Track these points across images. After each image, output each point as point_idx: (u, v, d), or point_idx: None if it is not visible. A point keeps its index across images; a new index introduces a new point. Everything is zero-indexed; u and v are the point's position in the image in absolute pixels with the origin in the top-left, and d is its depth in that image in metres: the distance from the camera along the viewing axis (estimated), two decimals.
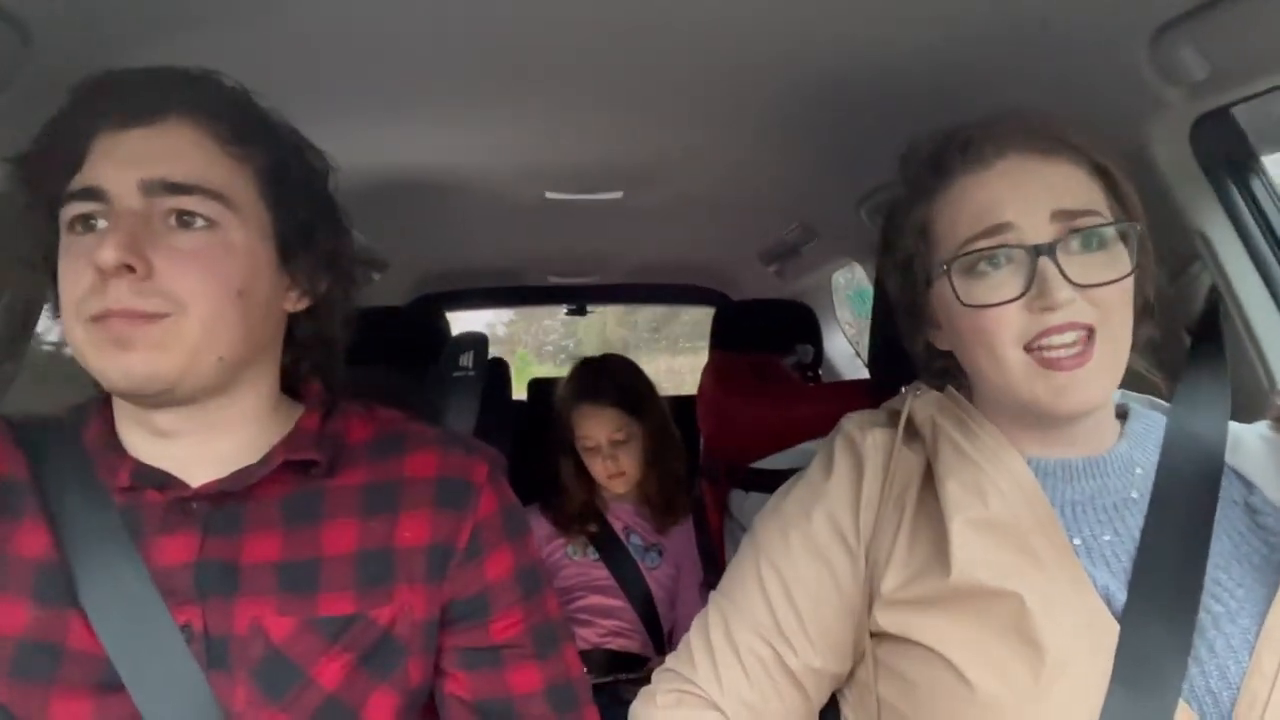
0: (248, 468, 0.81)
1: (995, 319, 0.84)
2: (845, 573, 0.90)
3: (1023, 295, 0.82)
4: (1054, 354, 0.81)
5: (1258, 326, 1.10)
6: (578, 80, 1.19)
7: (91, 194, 0.75)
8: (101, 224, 0.76)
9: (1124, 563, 0.83)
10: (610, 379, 1.99)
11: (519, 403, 2.86)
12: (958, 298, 0.85)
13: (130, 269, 0.73)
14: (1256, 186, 1.13)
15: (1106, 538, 0.84)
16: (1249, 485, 0.88)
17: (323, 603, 0.79)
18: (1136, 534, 0.84)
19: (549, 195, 1.81)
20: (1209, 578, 0.80)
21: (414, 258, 2.51)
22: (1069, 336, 0.81)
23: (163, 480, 0.80)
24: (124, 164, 0.76)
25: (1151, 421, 0.93)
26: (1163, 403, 0.97)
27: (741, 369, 1.96)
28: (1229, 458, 0.88)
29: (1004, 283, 0.83)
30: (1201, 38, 0.94)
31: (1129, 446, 0.90)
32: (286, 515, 0.82)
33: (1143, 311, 0.89)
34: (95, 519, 0.78)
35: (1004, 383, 0.85)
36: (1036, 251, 0.82)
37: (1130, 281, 0.84)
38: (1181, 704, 0.75)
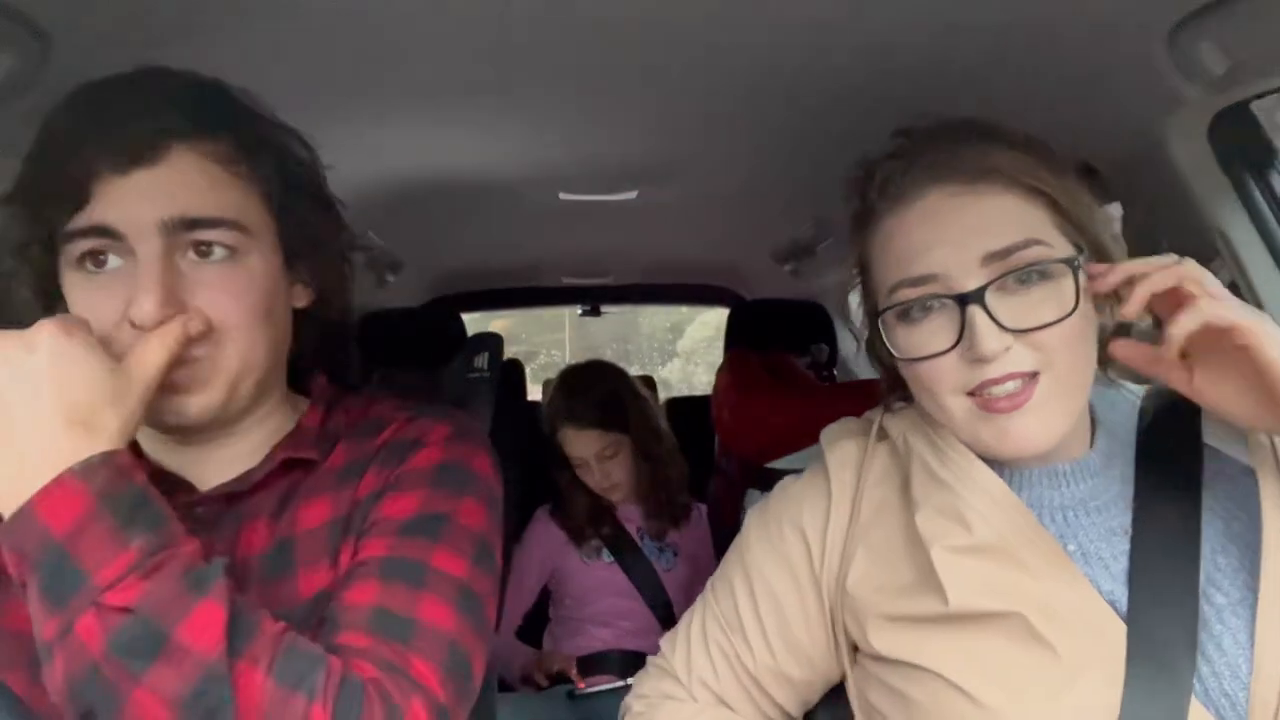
0: (251, 470, 0.83)
1: (931, 370, 0.81)
2: (808, 585, 0.90)
3: (954, 347, 0.79)
4: (992, 398, 0.79)
5: (1278, 323, 1.09)
6: (591, 81, 1.19)
7: (104, 232, 0.74)
8: (114, 260, 0.75)
9: (1124, 563, 0.80)
10: (591, 396, 1.99)
11: (534, 403, 2.87)
12: (891, 351, 0.83)
13: (171, 318, 0.73)
14: (1276, 182, 1.12)
15: (1103, 540, 0.82)
16: (1219, 455, 0.84)
17: (302, 582, 0.79)
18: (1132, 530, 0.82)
19: (563, 196, 1.81)
20: (1208, 563, 0.78)
21: (429, 260, 2.52)
22: (1009, 386, 0.78)
23: (175, 485, 0.82)
24: (138, 204, 0.74)
25: (1113, 403, 0.90)
26: (1118, 380, 0.94)
27: (756, 369, 1.96)
28: (1207, 437, 0.85)
29: (935, 332, 0.80)
30: (1220, 32, 0.93)
31: (1107, 439, 0.87)
32: (277, 507, 0.83)
33: (1122, 327, 0.85)
34: None
35: (950, 426, 0.84)
36: (963, 300, 0.78)
37: (1081, 315, 0.78)
38: (1199, 707, 0.73)
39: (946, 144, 0.83)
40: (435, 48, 1.06)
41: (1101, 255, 0.82)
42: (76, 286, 0.77)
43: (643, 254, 2.70)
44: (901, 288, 0.81)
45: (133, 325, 0.73)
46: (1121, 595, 0.79)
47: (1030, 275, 0.78)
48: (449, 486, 0.83)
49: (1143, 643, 0.75)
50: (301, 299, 0.87)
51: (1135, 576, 0.79)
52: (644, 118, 1.36)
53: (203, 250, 0.77)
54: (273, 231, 0.82)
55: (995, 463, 0.85)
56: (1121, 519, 0.83)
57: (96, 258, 0.75)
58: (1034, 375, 0.78)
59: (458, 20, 0.99)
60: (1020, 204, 0.80)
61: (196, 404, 0.77)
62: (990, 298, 0.77)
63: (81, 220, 0.74)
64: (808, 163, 1.64)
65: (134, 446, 0.83)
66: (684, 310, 16.65)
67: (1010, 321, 0.77)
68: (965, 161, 0.81)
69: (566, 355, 13.66)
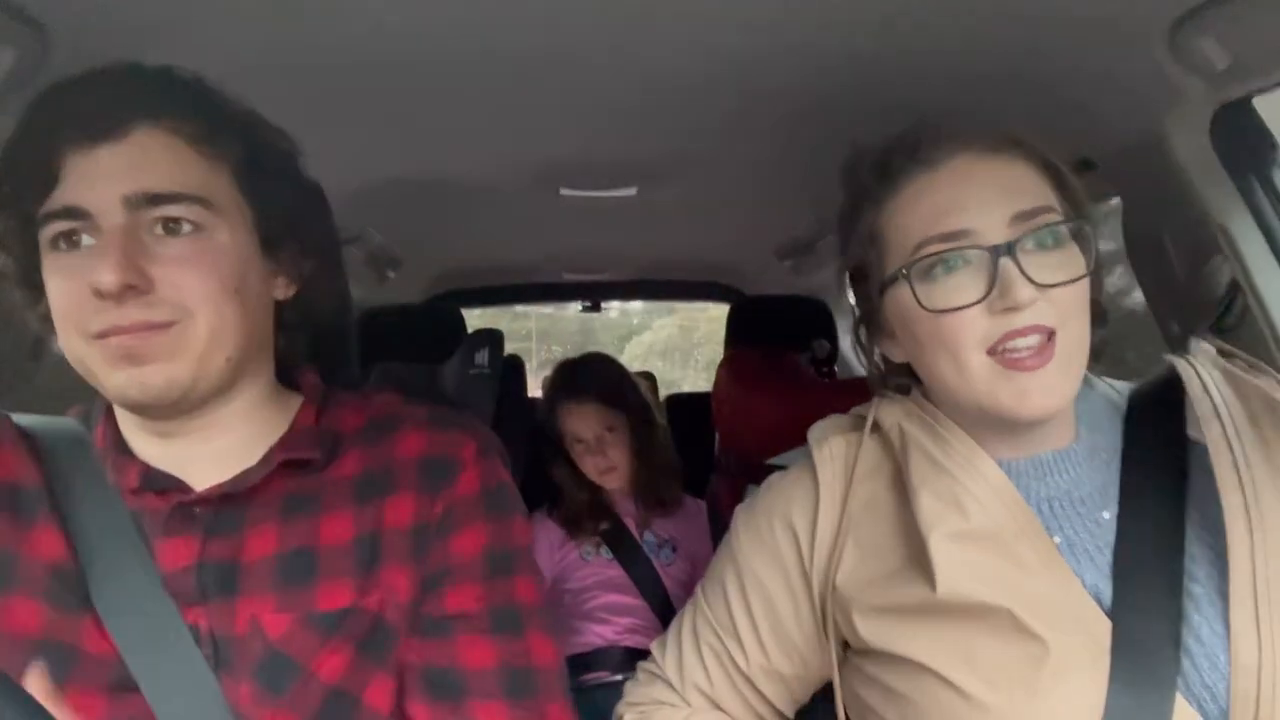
0: (248, 470, 0.82)
1: (956, 323, 0.82)
2: (799, 581, 0.90)
3: (984, 298, 0.80)
4: (1016, 355, 0.80)
5: (1279, 320, 1.09)
6: (592, 77, 1.19)
7: (73, 213, 0.75)
8: (87, 240, 0.76)
9: (1108, 556, 0.81)
10: (590, 375, 2.03)
11: (536, 399, 2.87)
12: (919, 302, 0.83)
13: (132, 287, 0.73)
14: (1278, 178, 1.11)
15: (1088, 533, 0.83)
16: (1201, 447, 0.83)
17: (320, 594, 0.79)
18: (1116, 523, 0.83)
19: (564, 192, 1.81)
20: (1185, 555, 0.79)
21: (429, 255, 2.52)
22: (1032, 339, 0.80)
23: (168, 484, 0.81)
24: (102, 181, 0.75)
25: (1092, 397, 0.91)
26: (1101, 379, 0.95)
27: (757, 365, 1.96)
28: (1190, 430, 0.85)
29: (963, 285, 0.82)
30: (1222, 27, 0.93)
31: (1089, 431, 0.88)
32: (285, 510, 0.82)
33: (1096, 317, 0.86)
34: (107, 522, 0.79)
35: (966, 389, 0.83)
36: (997, 252, 0.80)
37: (1086, 283, 0.82)
38: (1181, 701, 0.74)
39: (967, 121, 0.87)
40: (436, 46, 1.06)
41: (1094, 242, 0.86)
42: (50, 268, 0.77)
43: (643, 250, 2.70)
44: (930, 244, 0.83)
45: (98, 295, 0.73)
46: (1106, 588, 0.79)
47: (1047, 239, 0.82)
48: (500, 511, 0.86)
49: (1127, 637, 0.76)
50: (283, 290, 0.87)
51: (1119, 571, 0.80)
52: (645, 114, 1.36)
53: (170, 227, 0.77)
54: (244, 212, 0.82)
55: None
56: (1106, 509, 0.84)
57: (70, 238, 0.76)
58: (1050, 334, 0.80)
59: (458, 18, 0.98)
60: (1036, 174, 0.85)
61: (160, 375, 0.76)
62: (1018, 252, 0.80)
63: (53, 203, 0.76)
64: (808, 159, 1.63)
65: (125, 447, 0.84)
66: (634, 323, 18.62)
67: (1038, 276, 0.80)
68: (989, 131, 0.86)
69: (533, 363, 14.73)
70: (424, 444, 0.86)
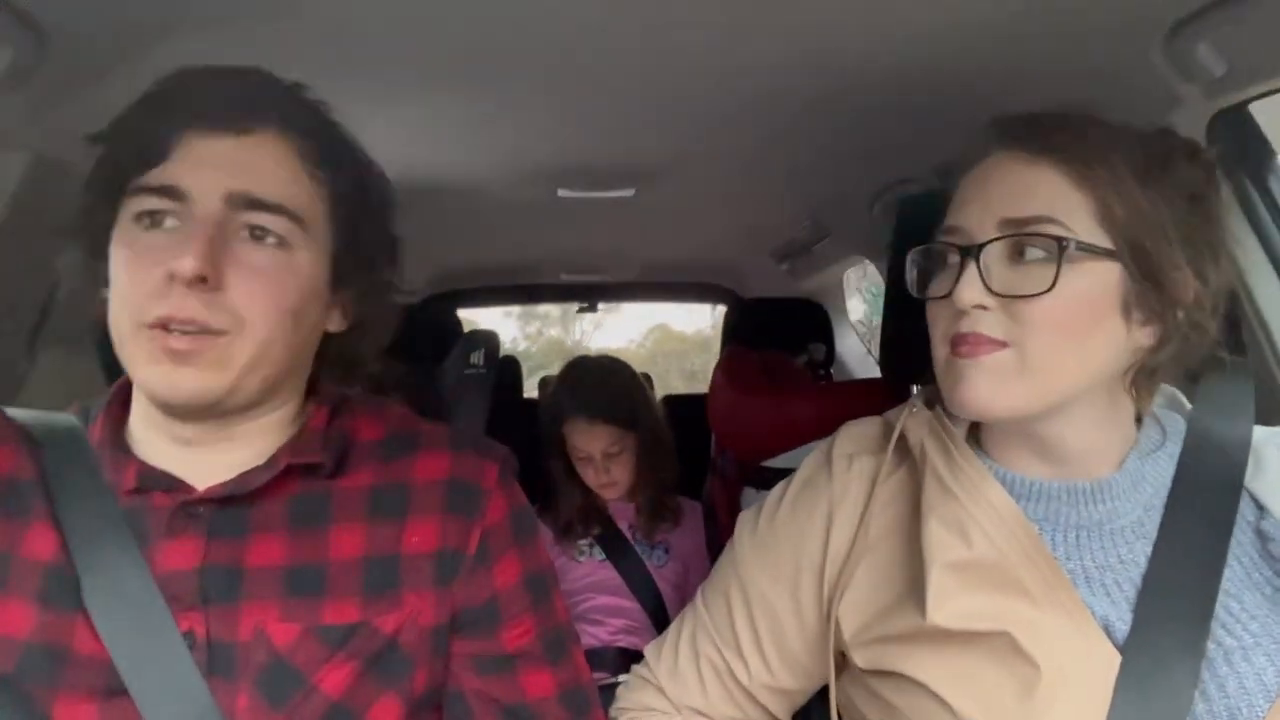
0: (252, 470, 0.80)
1: (933, 313, 0.83)
2: (810, 600, 0.89)
3: (946, 295, 0.79)
4: (963, 349, 0.79)
5: (1275, 327, 1.09)
6: (590, 78, 1.19)
7: (171, 192, 0.74)
8: (170, 223, 0.75)
9: (1126, 590, 0.79)
10: (603, 389, 1.97)
11: (530, 400, 2.87)
12: (911, 286, 0.86)
13: (203, 280, 0.72)
14: (1274, 185, 1.11)
15: (1111, 564, 0.80)
16: (1261, 508, 0.82)
17: (327, 609, 0.78)
18: (1142, 559, 0.80)
19: (561, 193, 1.81)
20: (1219, 605, 0.76)
21: (425, 255, 2.51)
22: (973, 346, 0.78)
23: (169, 483, 0.79)
24: (211, 170, 0.74)
25: (1167, 426, 0.88)
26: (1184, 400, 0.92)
27: (753, 367, 1.96)
28: (1250, 484, 0.82)
29: (942, 280, 0.82)
30: (1219, 33, 0.93)
31: (1138, 461, 0.84)
32: (292, 517, 0.81)
33: (1158, 347, 0.80)
34: (101, 522, 0.77)
35: (939, 380, 0.84)
36: (964, 252, 0.79)
37: (1068, 304, 0.76)
38: None
39: (1023, 119, 0.84)
40: (431, 45, 1.05)
41: (1139, 259, 0.78)
42: (127, 242, 0.76)
43: (640, 251, 2.70)
44: (939, 234, 0.84)
45: (168, 279, 0.72)
46: (1119, 621, 0.77)
47: (1025, 248, 0.78)
48: (528, 534, 0.88)
49: (1137, 673, 0.74)
50: (336, 324, 0.86)
51: (1142, 606, 0.77)
52: (642, 116, 1.36)
53: (257, 234, 0.76)
54: (328, 244, 0.81)
55: (1012, 472, 0.85)
56: (1134, 545, 0.81)
57: (155, 216, 0.75)
58: (1001, 345, 0.77)
59: (455, 18, 0.98)
60: (1062, 182, 0.79)
61: (195, 380, 0.74)
62: (989, 256, 0.78)
63: (152, 178, 0.74)
64: (805, 162, 1.64)
65: (124, 445, 0.82)
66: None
67: (998, 284, 0.77)
68: (1032, 133, 0.82)
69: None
70: (446, 467, 0.85)
